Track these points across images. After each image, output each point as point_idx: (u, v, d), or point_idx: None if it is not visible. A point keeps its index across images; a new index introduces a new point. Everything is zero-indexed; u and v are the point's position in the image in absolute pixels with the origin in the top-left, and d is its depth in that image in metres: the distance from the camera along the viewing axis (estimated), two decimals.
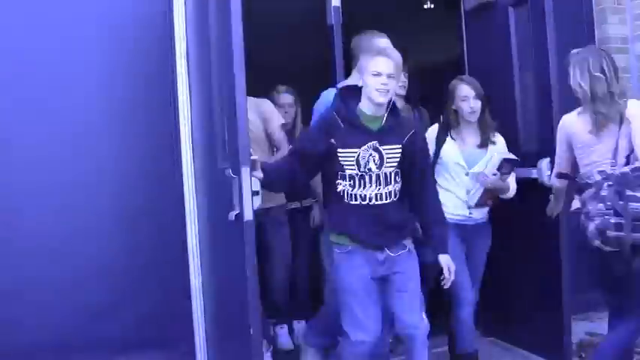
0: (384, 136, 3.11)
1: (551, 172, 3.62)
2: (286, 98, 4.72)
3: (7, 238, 3.45)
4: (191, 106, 3.76)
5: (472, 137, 3.90)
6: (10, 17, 3.53)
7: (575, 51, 3.38)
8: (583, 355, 4.11)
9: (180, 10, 3.76)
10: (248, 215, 2.86)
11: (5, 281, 3.43)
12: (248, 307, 2.88)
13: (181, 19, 3.76)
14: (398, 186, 3.16)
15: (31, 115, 3.52)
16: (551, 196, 3.65)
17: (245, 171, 2.86)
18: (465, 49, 4.76)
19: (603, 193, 3.06)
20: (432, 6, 6.69)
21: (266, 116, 4.23)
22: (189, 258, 3.76)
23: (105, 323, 3.56)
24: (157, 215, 3.73)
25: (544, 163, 3.82)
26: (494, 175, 3.73)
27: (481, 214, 3.88)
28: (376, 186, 3.11)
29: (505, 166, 3.74)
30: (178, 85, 3.76)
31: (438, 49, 5.95)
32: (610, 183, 3.05)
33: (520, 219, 4.02)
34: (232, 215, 2.92)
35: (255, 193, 2.92)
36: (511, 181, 3.84)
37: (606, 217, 3.04)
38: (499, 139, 3.94)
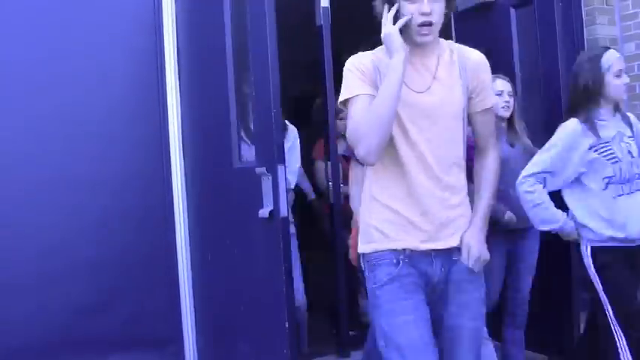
0: None
1: None
2: None
3: None
4: (181, 108, 3.75)
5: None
6: (2, 18, 3.51)
7: None
8: None
9: (169, 9, 3.75)
10: (284, 212, 2.92)
11: None
12: (284, 302, 2.92)
13: (171, 18, 3.75)
14: None
15: (21, 115, 3.50)
16: None
17: (280, 168, 2.91)
18: None
19: None
20: None
21: None
22: (178, 257, 3.75)
23: (93, 323, 3.54)
24: (146, 215, 3.71)
25: None
26: None
27: None
28: None
29: None
30: (167, 86, 3.74)
31: None
32: None
33: None
34: (265, 212, 2.94)
35: (287, 190, 2.99)
36: None
37: None
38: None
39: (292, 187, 3.74)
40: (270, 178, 2.94)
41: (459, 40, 4.68)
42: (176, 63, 3.76)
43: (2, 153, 3.46)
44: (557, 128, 3.46)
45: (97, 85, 3.65)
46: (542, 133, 3.76)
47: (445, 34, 4.90)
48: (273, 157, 2.94)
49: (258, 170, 3.00)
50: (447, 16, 2.40)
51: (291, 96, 5.47)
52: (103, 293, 3.59)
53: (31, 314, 3.44)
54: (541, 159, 3.19)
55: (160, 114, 3.74)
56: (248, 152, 3.38)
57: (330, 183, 4.43)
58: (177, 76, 3.76)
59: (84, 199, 3.59)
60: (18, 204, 3.47)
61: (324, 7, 4.13)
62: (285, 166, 2.96)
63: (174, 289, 3.75)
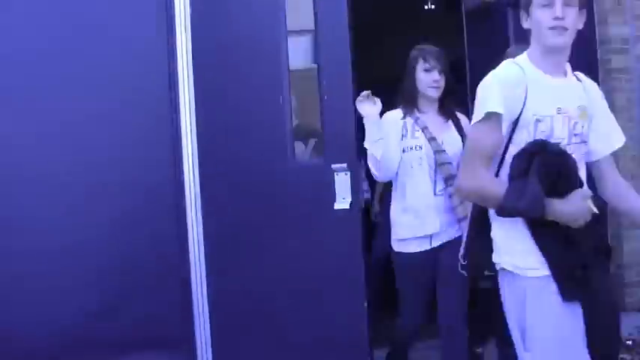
0: None
1: None
2: None
3: (5, 239, 3.45)
4: (195, 106, 3.72)
5: None
6: (5, 17, 3.52)
7: None
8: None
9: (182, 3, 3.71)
10: (361, 203, 3.15)
11: (3, 282, 3.43)
12: (362, 287, 3.13)
13: (183, 11, 3.70)
14: None
15: (29, 116, 3.51)
16: None
17: (359, 164, 3.10)
18: (466, 50, 4.78)
19: None
20: (433, 7, 6.70)
21: None
22: (190, 257, 3.72)
23: (105, 323, 3.55)
24: (157, 214, 3.70)
25: None
26: None
27: None
28: None
29: None
30: (180, 83, 3.69)
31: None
32: None
33: None
34: (345, 204, 3.09)
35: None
36: None
37: None
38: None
39: None
40: (349, 173, 3.09)
41: (469, 41, 4.76)
42: (189, 59, 3.70)
43: (10, 155, 3.48)
44: None
45: (107, 85, 3.63)
46: None
47: (457, 34, 4.94)
48: (354, 153, 3.11)
49: (334, 167, 3.12)
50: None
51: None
52: (115, 293, 3.60)
53: (42, 315, 3.46)
54: None
55: (172, 112, 3.71)
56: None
57: None
58: (191, 73, 3.71)
59: (95, 200, 3.60)
60: (27, 206, 3.49)
61: None
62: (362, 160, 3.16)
63: (186, 289, 3.73)
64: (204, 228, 3.72)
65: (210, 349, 3.74)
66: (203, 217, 3.73)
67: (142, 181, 3.68)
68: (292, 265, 3.46)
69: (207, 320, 3.74)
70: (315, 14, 3.27)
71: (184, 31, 3.71)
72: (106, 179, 3.62)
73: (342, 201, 3.04)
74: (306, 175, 3.17)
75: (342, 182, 3.03)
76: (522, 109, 2.25)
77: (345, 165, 3.07)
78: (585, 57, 5.08)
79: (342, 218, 3.09)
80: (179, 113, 3.72)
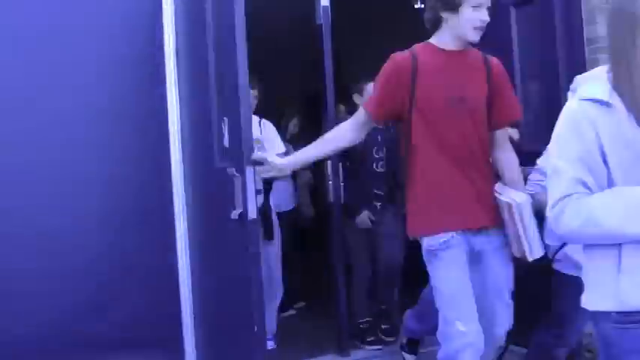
0: None
1: None
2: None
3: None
4: (180, 106, 3.75)
5: None
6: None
7: None
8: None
9: (169, 10, 3.74)
10: (252, 214, 2.89)
11: None
12: (252, 306, 2.92)
13: (170, 18, 3.74)
14: None
15: (22, 116, 3.50)
16: None
17: (249, 170, 2.89)
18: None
19: None
20: (422, 6, 6.68)
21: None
22: (178, 258, 3.74)
23: (93, 322, 3.54)
24: (145, 215, 3.71)
25: None
26: None
27: None
28: None
29: None
30: (167, 85, 3.73)
31: None
32: None
33: None
34: (235, 214, 2.92)
35: (257, 192, 2.96)
36: None
37: None
38: None
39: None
40: (240, 179, 2.92)
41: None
42: (176, 61, 3.74)
43: (5, 155, 3.45)
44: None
45: (96, 85, 3.64)
46: (543, 132, 3.77)
47: None
48: (242, 158, 2.91)
49: (230, 171, 2.98)
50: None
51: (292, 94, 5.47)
52: (103, 293, 3.59)
53: (31, 314, 3.44)
54: None
55: (160, 114, 3.73)
56: None
57: (330, 181, 4.44)
58: (176, 76, 3.74)
59: (84, 201, 3.60)
60: (19, 205, 3.47)
61: (324, 6, 4.13)
62: (254, 168, 2.94)
63: (174, 289, 3.74)
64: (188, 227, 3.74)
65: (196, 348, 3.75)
66: (187, 217, 3.74)
67: (131, 182, 3.69)
68: (217, 273, 3.47)
69: (194, 319, 3.75)
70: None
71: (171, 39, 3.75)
72: (95, 180, 3.63)
73: (235, 210, 2.93)
74: (225, 177, 3.06)
75: (237, 189, 2.93)
76: None
77: (234, 170, 2.95)
78: (573, 56, 5.10)
79: (237, 229, 2.99)
80: (167, 114, 3.73)
